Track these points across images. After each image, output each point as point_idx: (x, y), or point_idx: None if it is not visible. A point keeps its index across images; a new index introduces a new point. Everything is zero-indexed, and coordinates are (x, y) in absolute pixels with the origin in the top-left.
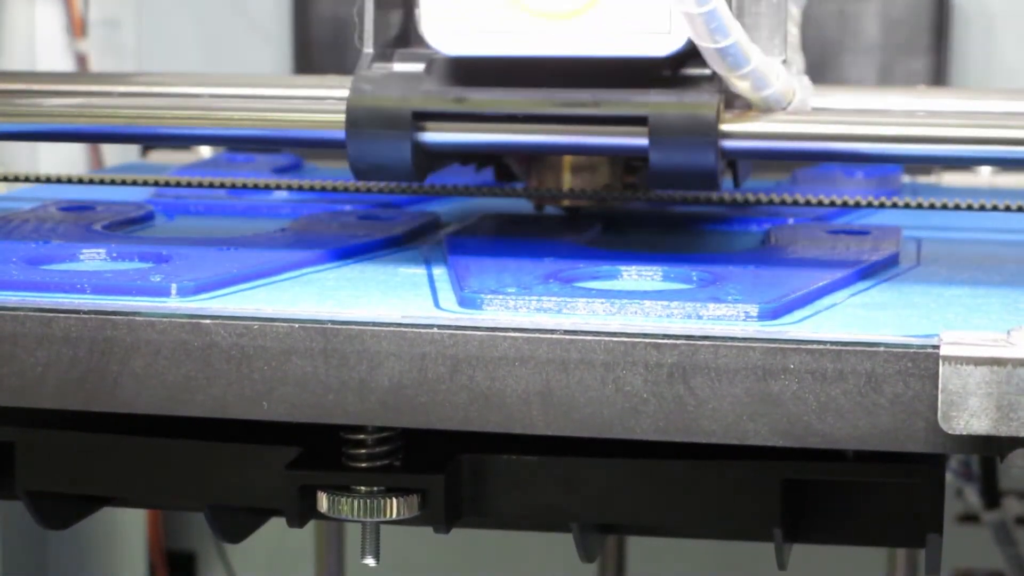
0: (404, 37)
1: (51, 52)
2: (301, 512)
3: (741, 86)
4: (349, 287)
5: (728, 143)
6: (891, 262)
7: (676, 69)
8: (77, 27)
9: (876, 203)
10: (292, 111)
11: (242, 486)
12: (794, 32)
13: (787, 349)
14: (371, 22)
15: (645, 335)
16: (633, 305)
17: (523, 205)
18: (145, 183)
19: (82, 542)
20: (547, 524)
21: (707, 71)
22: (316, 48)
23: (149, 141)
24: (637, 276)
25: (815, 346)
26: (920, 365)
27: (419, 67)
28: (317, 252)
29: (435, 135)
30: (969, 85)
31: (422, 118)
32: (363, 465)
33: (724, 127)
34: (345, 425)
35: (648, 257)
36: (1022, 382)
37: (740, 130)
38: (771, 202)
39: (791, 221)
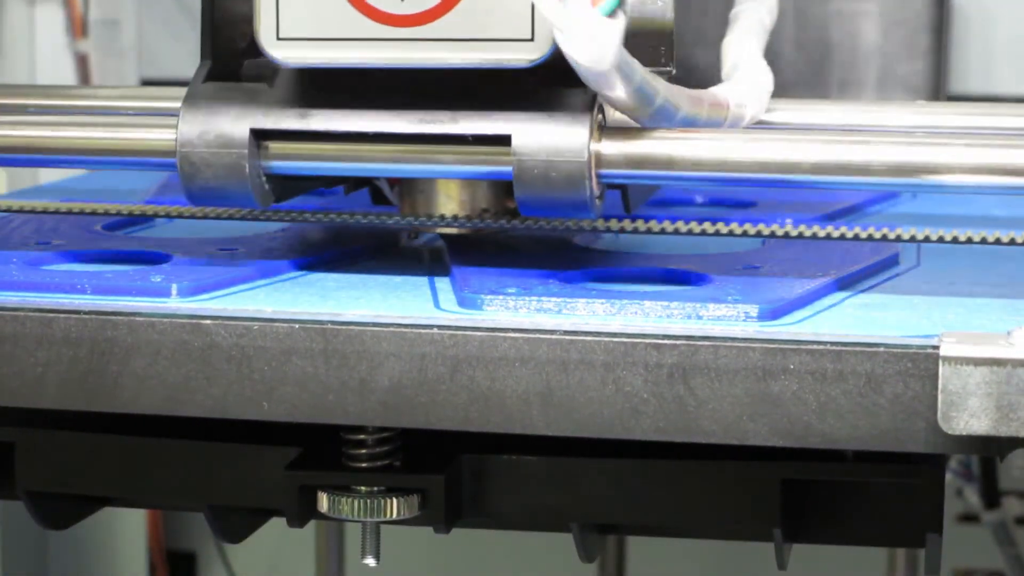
0: (253, 48)
1: (51, 52)
2: (301, 512)
3: (621, 102)
4: (349, 287)
5: (605, 169)
6: (891, 262)
7: (545, 81)
8: (77, 27)
9: (789, 233)
10: (119, 127)
11: (242, 486)
12: (758, 43)
13: (787, 349)
14: (209, 27)
15: (645, 335)
16: (633, 305)
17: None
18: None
19: (82, 542)
20: (547, 524)
21: (580, 84)
22: None
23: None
24: (637, 276)
25: (815, 346)
26: (920, 365)
27: (261, 82)
28: (317, 252)
29: (278, 161)
30: (966, 89)
31: (262, 137)
32: (363, 465)
33: (598, 148)
34: (345, 425)
35: (648, 257)
36: (1022, 382)
37: (617, 153)
38: (672, 231)
39: (789, 221)
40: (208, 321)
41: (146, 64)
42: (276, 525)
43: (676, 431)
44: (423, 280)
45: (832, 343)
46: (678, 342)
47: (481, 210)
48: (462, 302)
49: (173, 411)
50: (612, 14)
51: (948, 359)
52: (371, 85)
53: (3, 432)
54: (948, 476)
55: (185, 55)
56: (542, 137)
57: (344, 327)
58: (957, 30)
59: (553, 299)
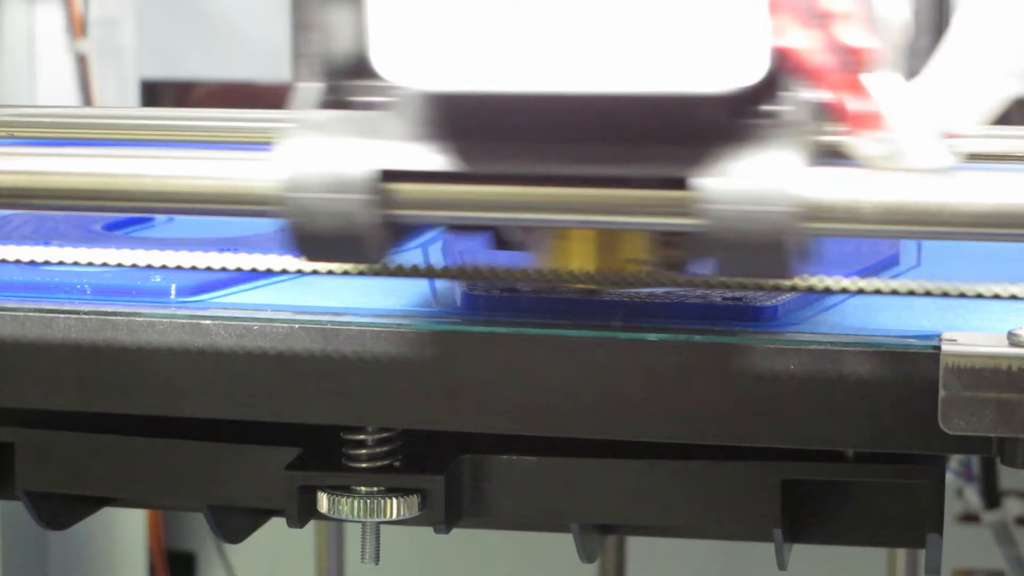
0: (360, 66)
1: (51, 52)
2: (301, 512)
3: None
4: (349, 287)
5: (816, 221)
6: (891, 262)
7: (735, 114)
8: (77, 27)
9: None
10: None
11: (242, 486)
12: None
13: (787, 349)
14: (315, 46)
15: (645, 335)
16: (633, 305)
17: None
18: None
19: (82, 542)
20: (547, 524)
21: (781, 117)
22: None
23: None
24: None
25: (815, 346)
26: (920, 365)
27: (379, 111)
28: None
29: (409, 207)
30: None
31: (390, 179)
32: (363, 465)
33: (806, 195)
34: (345, 425)
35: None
36: (1022, 382)
37: (833, 199)
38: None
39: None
40: (208, 321)
41: (146, 64)
42: (276, 525)
43: (676, 431)
44: (423, 280)
45: (832, 343)
46: (678, 342)
47: (641, 260)
48: (462, 301)
49: (173, 411)
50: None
51: (948, 359)
52: (520, 118)
53: (3, 432)
54: (948, 476)
55: (185, 55)
56: (737, 182)
57: (344, 327)
58: None
59: (552, 298)
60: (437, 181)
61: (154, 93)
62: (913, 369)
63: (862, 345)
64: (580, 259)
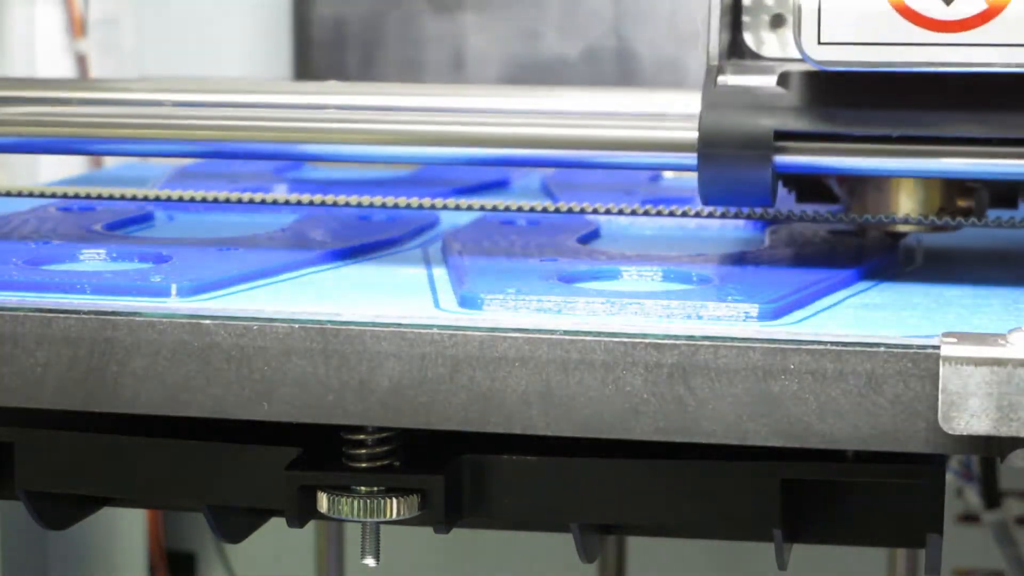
0: (734, 48)
1: (51, 52)
2: (301, 512)
3: None
4: (349, 287)
5: None
6: (891, 262)
7: None
8: (77, 27)
9: None
10: (632, 128)
11: (242, 486)
12: None
13: (787, 349)
14: (716, 32)
15: (645, 335)
16: (633, 305)
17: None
18: (146, 198)
19: (82, 542)
20: (547, 524)
21: None
22: (316, 48)
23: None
24: (637, 276)
25: (815, 346)
26: (920, 365)
27: (767, 81)
28: (317, 252)
29: (796, 158)
30: None
31: (784, 138)
32: (363, 465)
33: None
34: (345, 425)
35: (648, 257)
36: (1022, 382)
37: None
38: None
39: None
40: (208, 321)
41: (145, 64)
42: (276, 525)
43: (676, 431)
44: (423, 280)
45: (832, 343)
46: (678, 342)
47: (937, 209)
48: (462, 302)
49: (173, 411)
50: None
51: (948, 359)
52: (891, 87)
53: (3, 432)
54: (948, 476)
55: (185, 55)
56: None
57: (344, 327)
58: None
59: (553, 299)
60: (822, 140)
61: None
62: (913, 369)
63: (862, 345)
64: (890, 206)
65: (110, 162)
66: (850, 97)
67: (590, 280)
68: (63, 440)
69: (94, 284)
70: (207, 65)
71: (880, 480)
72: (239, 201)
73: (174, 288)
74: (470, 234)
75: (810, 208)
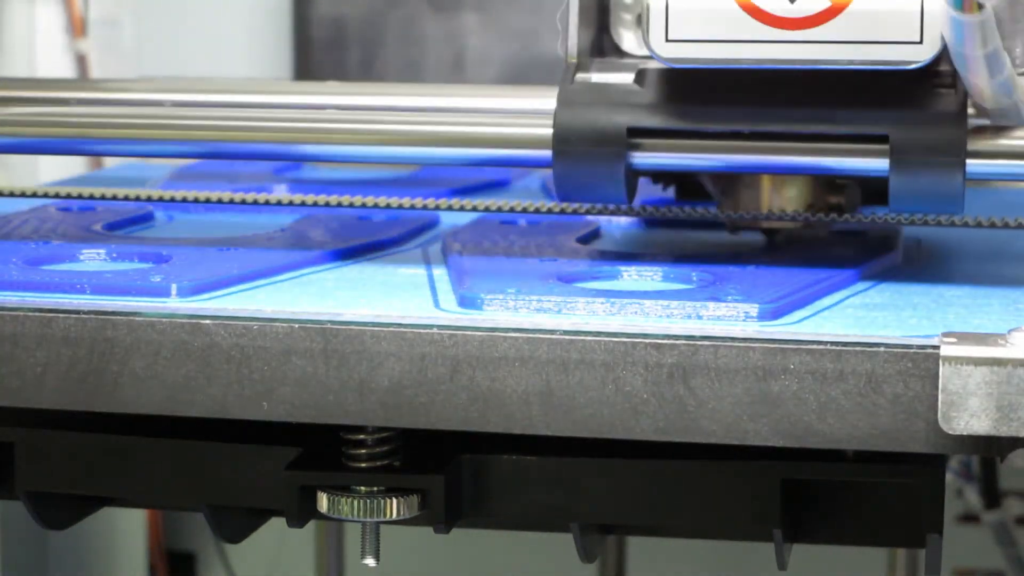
0: (598, 46)
1: (51, 52)
2: (301, 512)
3: (986, 96)
4: (349, 287)
5: (977, 165)
6: (891, 262)
7: (920, 82)
8: (77, 27)
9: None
10: (490, 126)
11: (242, 486)
12: None
13: (787, 349)
14: (575, 30)
15: (645, 335)
16: (633, 305)
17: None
18: (149, 198)
19: (82, 542)
20: (547, 524)
21: (945, 85)
22: (316, 48)
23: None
24: (637, 276)
25: (815, 346)
26: (920, 365)
27: (626, 78)
28: (317, 252)
29: (650, 155)
30: None
31: (637, 135)
32: (363, 465)
33: (974, 146)
34: (345, 425)
35: (648, 257)
36: (1022, 382)
37: (989, 149)
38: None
39: None
40: (208, 321)
41: (145, 64)
42: (276, 525)
43: (676, 431)
44: (423, 280)
45: (832, 343)
46: (678, 342)
47: (807, 206)
48: (462, 302)
49: (173, 411)
50: None
51: (948, 359)
52: (743, 84)
53: (3, 432)
54: (948, 476)
55: (184, 55)
56: (920, 136)
57: (344, 327)
58: None
59: (553, 299)
60: (676, 137)
61: None
62: (913, 369)
63: (862, 345)
64: (762, 203)
65: (110, 162)
66: (703, 94)
67: (590, 280)
68: (63, 440)
69: (94, 284)
70: (207, 65)
71: (880, 480)
72: (242, 202)
73: (174, 288)
74: (470, 234)
75: (685, 206)
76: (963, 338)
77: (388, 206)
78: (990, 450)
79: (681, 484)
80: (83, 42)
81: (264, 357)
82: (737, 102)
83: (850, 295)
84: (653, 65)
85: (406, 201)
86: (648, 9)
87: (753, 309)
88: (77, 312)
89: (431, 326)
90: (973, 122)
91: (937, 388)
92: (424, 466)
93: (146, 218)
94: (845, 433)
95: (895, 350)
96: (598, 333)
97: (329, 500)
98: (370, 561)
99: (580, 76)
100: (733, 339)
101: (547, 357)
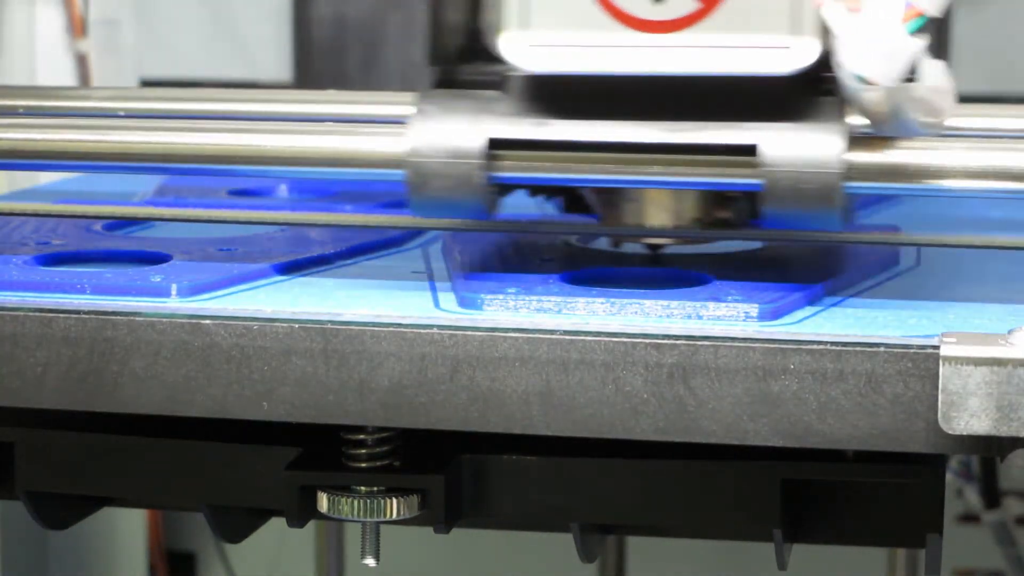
0: (471, 52)
1: (51, 52)
2: (301, 512)
3: (878, 112)
4: (349, 287)
5: (857, 182)
6: (891, 262)
7: (795, 91)
8: (77, 27)
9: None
10: (342, 136)
11: (242, 486)
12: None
13: (787, 349)
14: (435, 36)
15: (645, 335)
16: (633, 305)
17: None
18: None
19: (82, 542)
20: (547, 524)
21: (825, 93)
22: (316, 48)
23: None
24: (637, 276)
25: (815, 346)
26: (920, 365)
27: (493, 86)
28: (317, 252)
29: (512, 168)
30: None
31: (498, 147)
32: (363, 465)
33: (849, 158)
34: (345, 425)
35: (648, 257)
36: (1022, 382)
37: (869, 163)
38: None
39: None
40: (208, 321)
41: (145, 64)
42: (276, 525)
43: (676, 431)
44: (423, 280)
45: (832, 343)
46: (678, 342)
47: (692, 219)
48: (462, 302)
49: (173, 411)
50: (917, 32)
51: (948, 359)
52: (611, 93)
53: (3, 432)
54: (948, 476)
55: (185, 55)
56: (793, 147)
57: (344, 327)
58: (957, 30)
59: (553, 299)
60: (539, 149)
61: None
62: (913, 369)
63: (862, 345)
64: (644, 217)
65: None
66: (571, 103)
67: (590, 280)
68: (63, 440)
69: (94, 284)
70: (207, 65)
71: (880, 480)
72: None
73: (174, 288)
74: (470, 234)
75: (562, 219)
76: (963, 338)
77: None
78: (990, 450)
79: (681, 484)
80: (83, 42)
81: (264, 357)
82: (606, 112)
83: (850, 295)
84: (521, 73)
85: (556, 226)
86: (508, 14)
87: (753, 309)
88: (77, 312)
89: (431, 326)
90: (859, 132)
91: (937, 388)
92: (424, 466)
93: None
94: (845, 433)
95: (895, 350)
96: (598, 333)
97: (329, 500)
98: (370, 561)
99: (444, 83)
100: (733, 339)
101: (547, 357)
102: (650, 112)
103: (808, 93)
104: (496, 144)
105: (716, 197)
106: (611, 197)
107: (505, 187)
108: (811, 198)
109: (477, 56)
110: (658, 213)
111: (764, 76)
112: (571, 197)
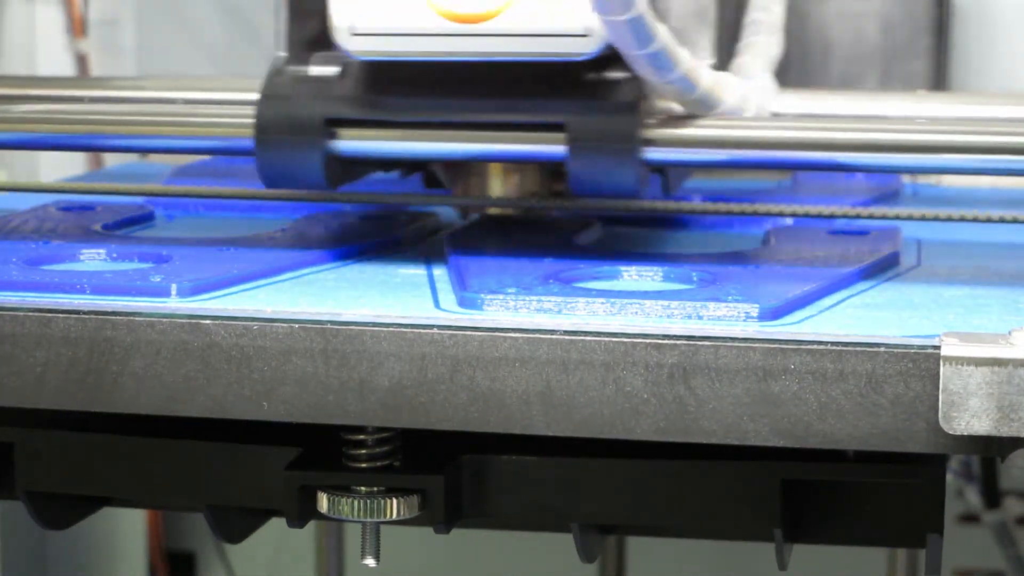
0: (323, 40)
1: (51, 52)
2: (301, 512)
3: (667, 91)
4: (349, 287)
5: (651, 151)
6: (891, 262)
7: (597, 72)
8: (77, 27)
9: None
10: (198, 117)
11: (242, 486)
12: (771, 40)
13: (787, 349)
14: (285, 22)
15: (645, 335)
16: (633, 305)
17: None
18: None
19: (82, 542)
20: (547, 524)
21: (629, 74)
22: None
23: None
24: (637, 276)
25: (815, 346)
26: (921, 365)
27: (334, 71)
28: (317, 252)
29: (348, 143)
30: (968, 88)
31: (334, 124)
32: (363, 465)
33: (646, 134)
34: (345, 425)
35: (648, 257)
36: (1022, 382)
37: (662, 136)
38: (705, 211)
39: (790, 221)
40: (208, 321)
41: (145, 64)
42: (276, 525)
43: (676, 431)
44: (423, 280)
45: (832, 343)
46: (678, 342)
47: (530, 193)
48: (462, 302)
49: (173, 411)
50: None
51: (949, 359)
52: (437, 76)
53: (3, 432)
54: (948, 476)
55: (185, 55)
56: (594, 123)
57: (344, 327)
58: (957, 30)
59: (553, 299)
60: (371, 127)
61: None
62: (914, 369)
63: (862, 345)
64: (488, 190)
65: (110, 161)
66: (396, 85)
67: (590, 280)
68: (63, 440)
69: (94, 284)
70: (207, 65)
71: (880, 480)
72: (250, 198)
73: (174, 288)
74: (470, 234)
75: (419, 192)
76: (964, 338)
77: (385, 202)
78: (990, 450)
79: (681, 484)
80: (83, 42)
81: (264, 357)
82: (427, 93)
83: (850, 295)
84: (356, 59)
85: (408, 197)
86: (335, 2)
87: (753, 309)
88: (77, 312)
89: (431, 326)
90: (665, 110)
91: (938, 388)
92: (424, 466)
93: (146, 218)
94: (845, 433)
95: (895, 350)
96: (598, 333)
97: (329, 500)
98: (370, 561)
99: (290, 68)
100: (733, 339)
101: (547, 357)
102: (468, 93)
103: (609, 75)
104: (332, 122)
105: (553, 172)
106: (458, 173)
107: (347, 162)
108: (609, 168)
109: (329, 44)
110: (499, 185)
111: (564, 60)
112: (429, 175)
